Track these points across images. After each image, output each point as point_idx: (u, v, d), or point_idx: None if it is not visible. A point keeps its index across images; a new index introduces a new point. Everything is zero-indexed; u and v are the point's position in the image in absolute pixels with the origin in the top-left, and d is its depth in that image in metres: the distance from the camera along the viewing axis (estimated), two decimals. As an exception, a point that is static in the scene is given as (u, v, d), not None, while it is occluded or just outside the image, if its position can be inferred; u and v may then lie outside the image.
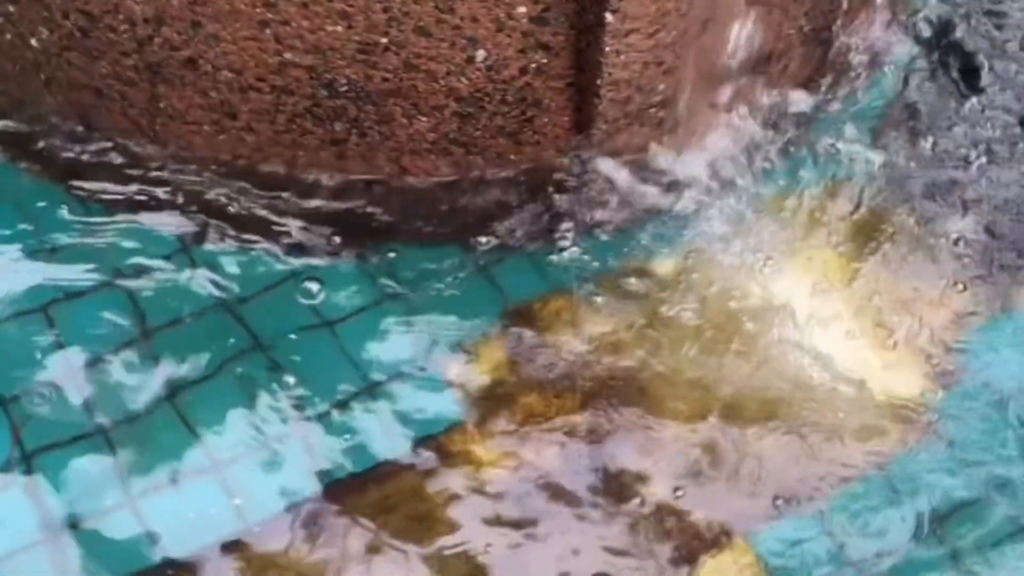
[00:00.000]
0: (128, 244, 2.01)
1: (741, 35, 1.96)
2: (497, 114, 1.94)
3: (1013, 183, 2.09)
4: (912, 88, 2.19)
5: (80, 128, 2.05)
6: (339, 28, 1.82)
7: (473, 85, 1.90)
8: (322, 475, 1.83)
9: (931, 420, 1.91)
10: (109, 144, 2.05)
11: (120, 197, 2.04)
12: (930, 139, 2.13)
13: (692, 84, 1.99)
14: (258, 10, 1.81)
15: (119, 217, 2.03)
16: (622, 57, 1.86)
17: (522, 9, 1.82)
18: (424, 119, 1.94)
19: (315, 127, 1.95)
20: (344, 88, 1.89)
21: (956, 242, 2.05)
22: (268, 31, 1.83)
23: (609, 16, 1.79)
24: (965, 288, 2.02)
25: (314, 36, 1.83)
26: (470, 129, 1.96)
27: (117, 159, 2.05)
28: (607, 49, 1.84)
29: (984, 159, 2.11)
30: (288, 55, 1.86)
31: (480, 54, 1.86)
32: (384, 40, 1.84)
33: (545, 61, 1.89)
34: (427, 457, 1.86)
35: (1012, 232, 2.05)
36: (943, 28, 2.26)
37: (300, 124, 1.95)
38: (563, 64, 1.90)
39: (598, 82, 1.88)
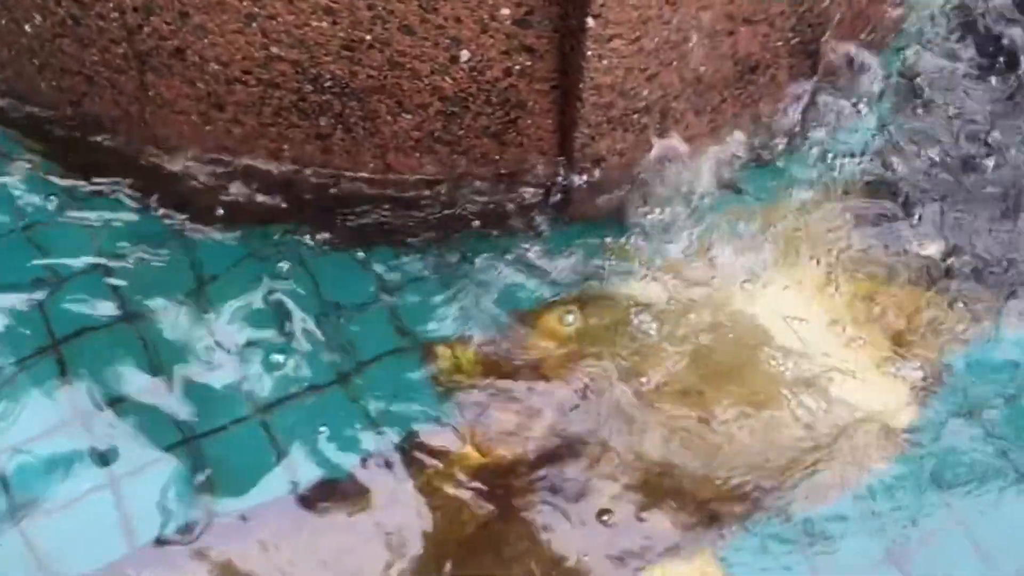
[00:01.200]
0: (113, 230, 2.03)
1: (726, 45, 1.97)
2: (481, 114, 1.96)
3: (999, 202, 2.09)
4: (901, 104, 2.19)
5: (72, 113, 2.08)
6: (324, 24, 1.84)
7: (457, 85, 1.92)
8: (295, 468, 1.85)
9: (910, 436, 1.90)
10: (100, 129, 2.08)
11: (110, 182, 2.06)
12: (918, 156, 2.13)
13: (677, 92, 1.99)
14: (244, 3, 1.83)
15: (108, 202, 2.06)
16: (604, 62, 1.87)
17: (505, 11, 1.83)
18: (408, 117, 1.96)
19: (300, 121, 1.97)
20: (329, 83, 1.91)
21: (942, 259, 2.05)
22: (254, 24, 1.85)
23: (591, 21, 1.81)
24: (950, 305, 2.02)
25: (299, 31, 1.85)
26: (454, 128, 1.97)
27: (108, 145, 2.08)
28: (589, 53, 1.85)
29: (972, 177, 2.11)
30: (274, 49, 1.88)
31: (464, 54, 1.88)
32: (369, 37, 1.85)
33: (529, 63, 1.90)
34: (404, 453, 1.87)
35: (998, 251, 2.05)
36: (933, 45, 2.26)
37: (286, 118, 1.97)
38: (547, 67, 1.91)
39: (580, 86, 1.89)
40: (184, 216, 2.04)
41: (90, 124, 2.08)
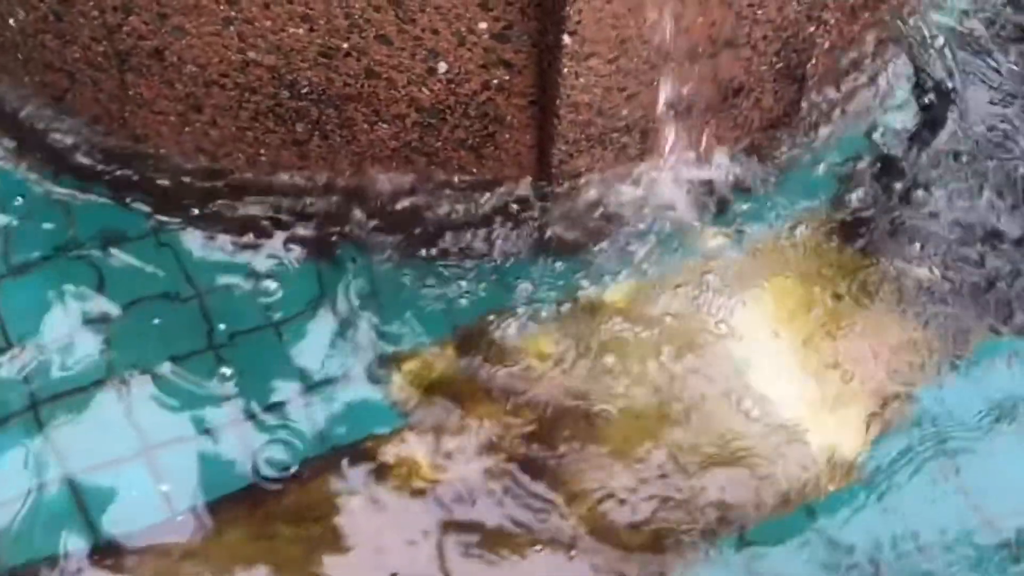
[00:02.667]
0: (93, 225, 2.03)
1: (708, 67, 1.95)
2: (459, 127, 1.95)
3: (976, 233, 2.07)
4: (887, 132, 2.17)
5: (55, 108, 2.08)
6: (301, 31, 1.83)
7: (435, 96, 1.91)
8: (248, 472, 1.84)
9: (869, 469, 1.88)
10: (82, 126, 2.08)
11: (90, 179, 2.06)
12: (898, 183, 2.11)
13: (659, 112, 1.98)
14: (221, 7, 1.82)
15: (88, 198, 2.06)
16: (581, 80, 1.86)
17: (483, 25, 1.82)
18: (385, 126, 1.95)
19: (277, 126, 1.97)
20: (306, 90, 1.91)
21: (914, 289, 2.02)
22: (232, 28, 1.85)
23: (567, 38, 1.79)
24: (918, 335, 2.00)
25: (276, 37, 1.85)
26: (431, 140, 1.97)
27: (89, 141, 2.08)
28: (565, 71, 1.84)
29: (949, 208, 2.08)
30: (251, 54, 1.87)
31: (441, 66, 1.87)
32: (345, 45, 1.85)
33: (507, 78, 1.89)
34: (359, 462, 1.86)
35: (971, 284, 2.02)
36: (924, 72, 2.23)
37: (263, 122, 1.96)
38: (525, 82, 1.90)
39: (557, 103, 1.88)
40: (160, 218, 2.04)
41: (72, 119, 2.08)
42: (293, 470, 1.84)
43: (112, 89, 1.99)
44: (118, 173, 2.05)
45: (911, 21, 2.21)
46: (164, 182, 2.04)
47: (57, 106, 2.07)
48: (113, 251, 2.01)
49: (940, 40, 2.23)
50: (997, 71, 2.23)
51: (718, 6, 1.83)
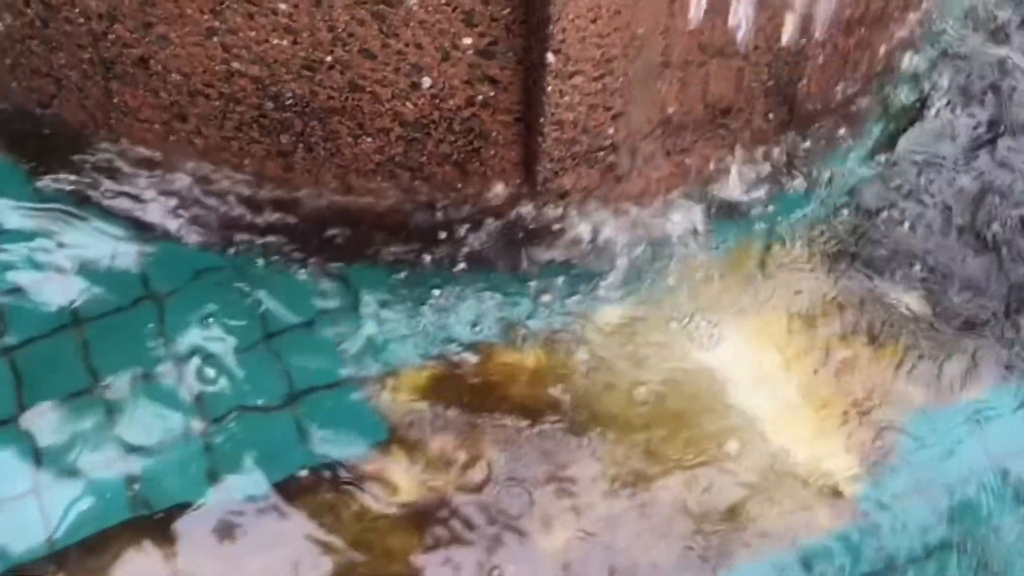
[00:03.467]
0: (73, 233, 2.03)
1: (697, 87, 1.93)
2: (443, 142, 1.94)
3: (966, 262, 2.04)
4: (876, 156, 2.14)
5: (41, 113, 2.08)
6: (284, 43, 1.82)
7: (419, 111, 1.89)
8: (230, 482, 1.83)
9: (856, 501, 1.86)
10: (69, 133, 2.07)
11: (73, 185, 2.06)
12: (889, 208, 2.08)
13: (645, 131, 1.96)
14: (205, 17, 1.81)
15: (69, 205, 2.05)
16: (566, 98, 1.84)
17: (468, 40, 1.81)
18: (370, 140, 1.94)
19: (262, 137, 1.96)
20: (290, 102, 1.90)
21: (904, 319, 2.00)
22: (215, 38, 1.84)
23: (551, 56, 1.78)
24: (909, 367, 1.97)
25: (260, 48, 1.84)
26: (416, 154, 1.95)
27: (74, 148, 2.08)
28: (549, 89, 1.82)
29: (941, 235, 2.06)
30: (235, 64, 1.87)
31: (426, 81, 1.86)
32: (329, 58, 1.84)
33: (492, 94, 1.88)
34: (343, 476, 1.85)
35: (961, 315, 2.00)
36: (917, 95, 2.21)
37: (247, 133, 1.95)
38: (511, 99, 1.89)
39: (542, 120, 1.87)
40: (142, 226, 2.03)
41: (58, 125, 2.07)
42: (272, 484, 1.83)
43: (98, 96, 1.99)
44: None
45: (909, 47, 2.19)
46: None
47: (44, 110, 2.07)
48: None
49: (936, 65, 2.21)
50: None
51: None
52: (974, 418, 1.94)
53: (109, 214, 2.02)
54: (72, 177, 2.05)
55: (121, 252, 2.00)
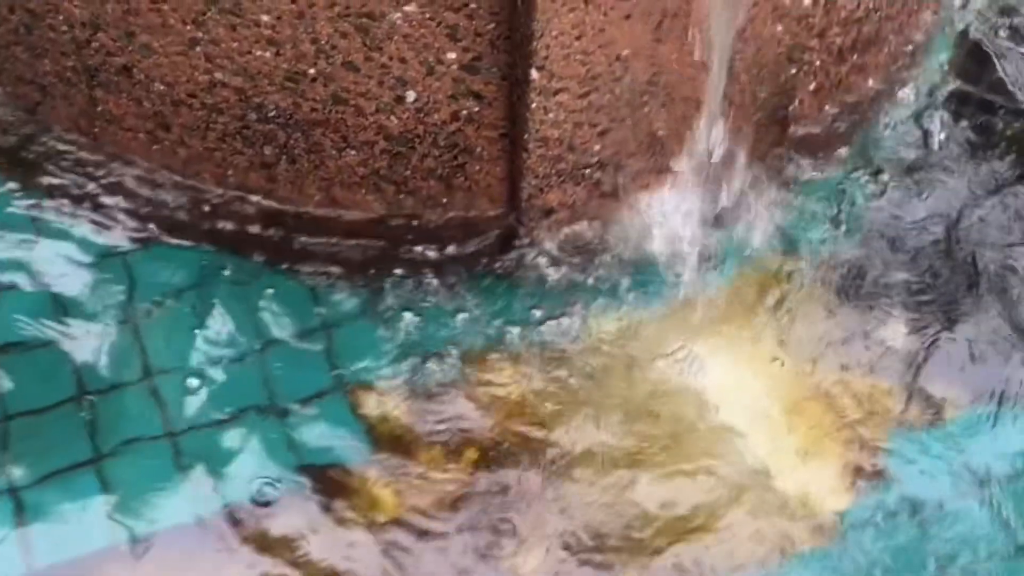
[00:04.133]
0: (58, 242, 2.02)
1: (683, 105, 1.91)
2: (428, 156, 1.92)
3: (953, 291, 2.01)
4: (880, 181, 2.12)
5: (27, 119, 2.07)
6: (267, 54, 1.81)
7: (403, 125, 1.88)
8: (211, 494, 1.82)
9: (842, 525, 1.83)
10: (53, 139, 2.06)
11: (57, 192, 2.05)
12: (877, 240, 2.06)
13: (634, 150, 1.94)
14: (188, 27, 1.80)
15: (54, 211, 2.04)
16: (551, 115, 1.82)
17: (452, 55, 1.79)
18: (354, 153, 1.92)
19: (245, 148, 1.94)
20: (273, 113, 1.88)
21: (892, 344, 1.98)
22: (198, 48, 1.82)
23: (534, 73, 1.76)
24: (897, 391, 1.95)
25: (243, 59, 1.82)
26: (400, 168, 1.94)
27: (59, 154, 2.06)
28: (533, 106, 1.80)
29: (926, 263, 2.03)
30: (218, 75, 1.85)
31: (410, 95, 1.84)
32: (312, 71, 1.82)
33: (477, 109, 1.86)
34: (320, 490, 1.84)
35: (948, 342, 1.97)
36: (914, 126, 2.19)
37: (230, 144, 1.94)
38: (496, 114, 1.87)
39: (526, 137, 1.85)
40: (128, 235, 2.02)
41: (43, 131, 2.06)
42: (253, 496, 1.82)
43: (82, 104, 1.98)
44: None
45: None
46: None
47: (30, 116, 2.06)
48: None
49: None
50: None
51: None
52: (959, 439, 1.91)
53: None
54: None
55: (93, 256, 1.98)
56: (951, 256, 2.06)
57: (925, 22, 2.19)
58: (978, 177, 2.14)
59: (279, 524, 1.80)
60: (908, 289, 2.02)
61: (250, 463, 1.85)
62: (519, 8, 1.71)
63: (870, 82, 2.14)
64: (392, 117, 1.87)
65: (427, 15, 1.74)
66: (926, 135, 2.17)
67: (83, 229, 2.02)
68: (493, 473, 1.86)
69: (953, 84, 2.22)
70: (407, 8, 1.73)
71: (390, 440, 1.88)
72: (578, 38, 1.72)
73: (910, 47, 2.16)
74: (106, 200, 2.02)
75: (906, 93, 2.20)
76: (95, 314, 1.95)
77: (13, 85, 2.03)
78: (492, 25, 1.75)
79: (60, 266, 1.98)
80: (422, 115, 1.86)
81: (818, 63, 2.00)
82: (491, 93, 1.84)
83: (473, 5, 1.73)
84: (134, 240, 2.01)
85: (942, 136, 2.16)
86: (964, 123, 2.18)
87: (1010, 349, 1.97)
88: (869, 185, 2.13)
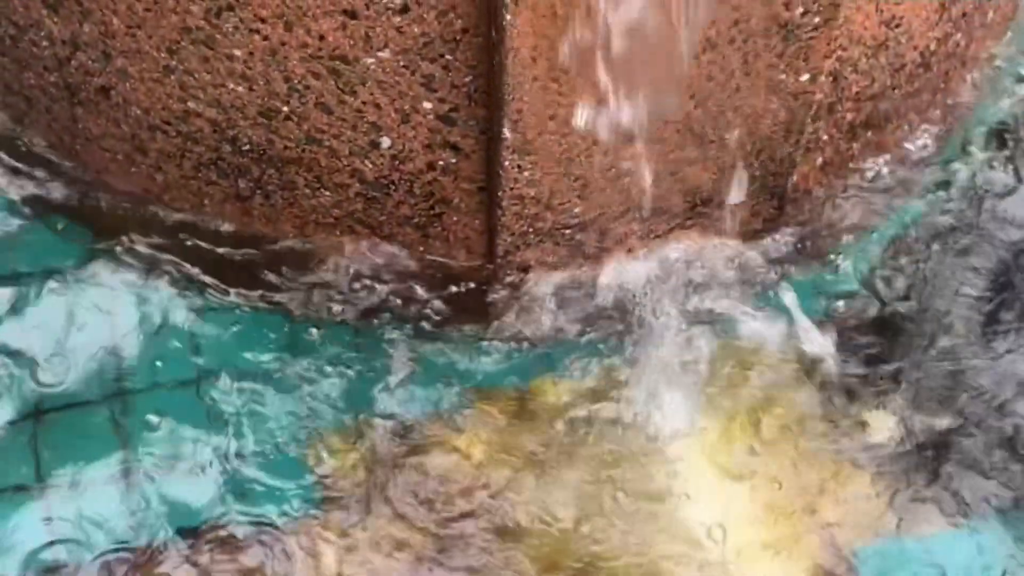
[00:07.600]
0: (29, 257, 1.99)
1: (670, 168, 1.83)
2: (404, 203, 1.86)
3: (936, 387, 1.91)
4: (879, 262, 2.02)
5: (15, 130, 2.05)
6: (240, 88, 1.76)
7: (378, 170, 1.82)
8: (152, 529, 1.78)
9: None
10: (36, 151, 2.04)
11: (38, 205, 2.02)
12: (863, 330, 1.96)
13: (617, 213, 1.87)
14: (162, 55, 1.76)
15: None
16: (526, 174, 1.76)
17: (428, 105, 1.73)
18: (328, 194, 1.87)
19: (220, 179, 1.90)
20: (247, 147, 1.83)
21: (870, 443, 1.88)
22: (173, 77, 1.78)
23: (507, 131, 1.69)
24: (872, 493, 1.85)
25: (216, 91, 1.77)
26: (376, 213, 1.88)
27: (43, 167, 2.04)
28: (507, 163, 1.74)
29: (909, 358, 1.93)
30: (191, 104, 1.81)
31: (385, 141, 1.78)
32: (285, 109, 1.77)
33: (454, 161, 1.80)
34: (268, 541, 1.79)
35: (926, 443, 1.87)
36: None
37: (205, 174, 1.90)
38: (473, 168, 1.80)
39: (500, 194, 1.78)
40: (104, 259, 1.98)
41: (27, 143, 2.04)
42: (191, 542, 1.77)
43: (65, 120, 1.95)
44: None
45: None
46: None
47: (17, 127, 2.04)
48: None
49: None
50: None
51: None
52: (932, 554, 1.81)
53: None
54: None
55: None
56: (940, 345, 1.96)
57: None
58: (977, 255, 2.05)
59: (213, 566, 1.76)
60: (898, 379, 1.93)
61: (197, 498, 1.80)
62: (495, 65, 1.64)
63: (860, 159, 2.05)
64: (367, 162, 1.81)
65: (401, 63, 1.68)
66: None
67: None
68: (446, 537, 1.80)
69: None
70: (380, 54, 1.67)
71: (340, 496, 1.83)
72: (552, 118, 1.66)
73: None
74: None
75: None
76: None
77: (2, 95, 2.01)
78: (469, 78, 1.69)
79: None
80: (397, 162, 1.80)
81: (826, 138, 1.91)
82: (469, 146, 1.77)
83: (449, 57, 1.67)
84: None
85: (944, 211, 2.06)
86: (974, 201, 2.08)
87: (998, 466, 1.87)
88: (874, 266, 2.03)
